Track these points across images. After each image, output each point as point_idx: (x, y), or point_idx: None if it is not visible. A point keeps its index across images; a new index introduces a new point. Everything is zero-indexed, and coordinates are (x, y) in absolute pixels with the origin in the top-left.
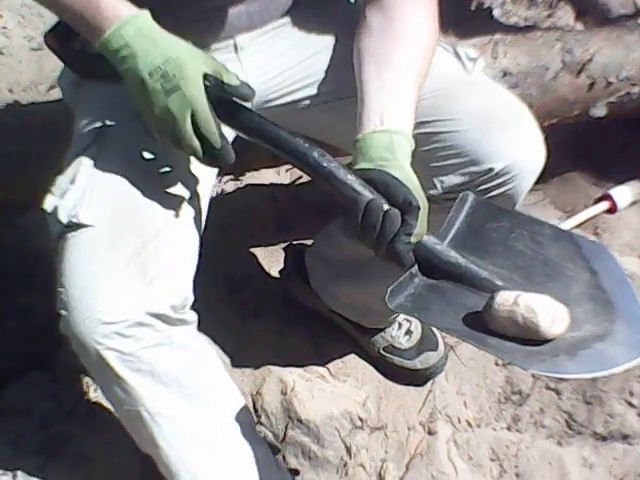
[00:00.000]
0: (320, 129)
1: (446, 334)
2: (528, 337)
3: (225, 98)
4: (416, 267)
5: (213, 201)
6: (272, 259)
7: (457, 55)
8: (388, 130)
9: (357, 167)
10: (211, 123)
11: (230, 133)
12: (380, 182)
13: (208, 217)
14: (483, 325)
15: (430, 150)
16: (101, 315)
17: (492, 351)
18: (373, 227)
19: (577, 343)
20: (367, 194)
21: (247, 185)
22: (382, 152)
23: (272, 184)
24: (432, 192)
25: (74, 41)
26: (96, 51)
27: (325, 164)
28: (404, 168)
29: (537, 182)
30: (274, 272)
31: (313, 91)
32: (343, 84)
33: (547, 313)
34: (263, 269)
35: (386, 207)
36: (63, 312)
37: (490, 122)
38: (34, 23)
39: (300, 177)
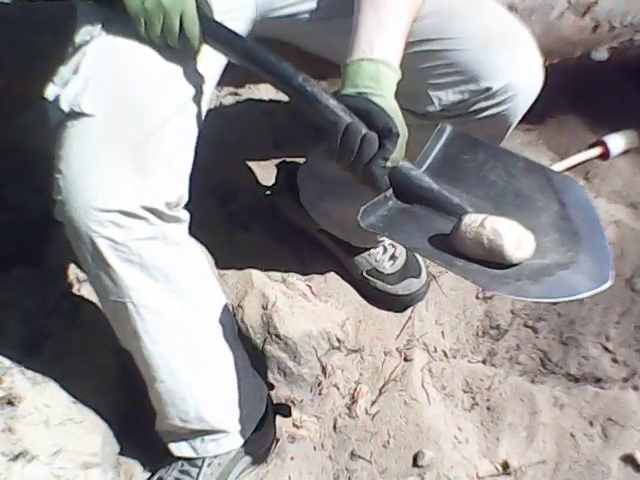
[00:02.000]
0: (318, 43)
1: (427, 260)
2: (493, 260)
3: (214, 20)
4: (390, 190)
5: (211, 113)
6: (264, 174)
7: None
8: (376, 59)
9: (342, 92)
10: (196, 26)
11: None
12: (362, 108)
13: (205, 128)
14: (451, 247)
15: (430, 67)
16: (97, 202)
17: (458, 271)
18: (351, 150)
19: (541, 270)
20: (347, 118)
21: (246, 100)
22: (367, 80)
23: (271, 100)
24: (429, 108)
25: None
26: None
27: (309, 88)
28: (387, 97)
29: (533, 122)
30: (265, 188)
31: (313, 5)
32: (341, 2)
33: (512, 237)
34: (255, 184)
35: (364, 131)
36: (59, 197)
37: (490, 41)
38: None
39: None
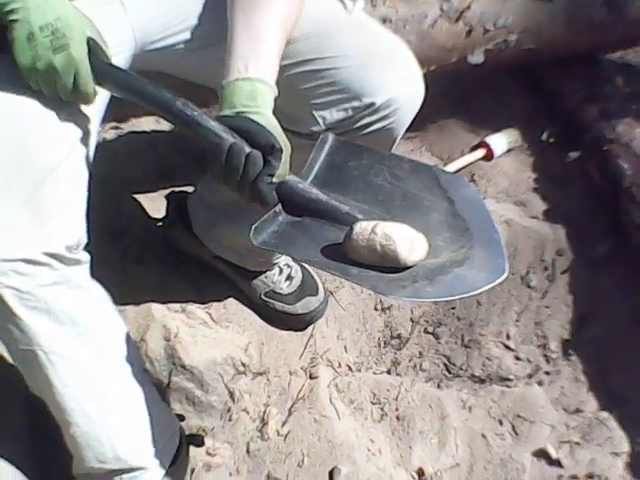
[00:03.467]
0: (197, 72)
1: (323, 275)
2: (389, 265)
3: (100, 60)
4: (279, 206)
5: (95, 149)
6: (154, 207)
7: None
8: (250, 78)
9: (220, 114)
10: (90, 83)
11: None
12: (242, 127)
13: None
14: (345, 256)
15: (312, 87)
16: None
17: (353, 279)
18: (236, 169)
19: (436, 269)
20: (230, 138)
21: (128, 132)
22: (244, 99)
23: (153, 131)
24: (315, 128)
25: None
26: None
27: (188, 112)
28: (265, 114)
29: (415, 129)
30: (156, 220)
31: (187, 36)
32: (213, 30)
33: (404, 240)
34: (145, 217)
35: (247, 149)
36: None
37: (370, 58)
38: None
39: None
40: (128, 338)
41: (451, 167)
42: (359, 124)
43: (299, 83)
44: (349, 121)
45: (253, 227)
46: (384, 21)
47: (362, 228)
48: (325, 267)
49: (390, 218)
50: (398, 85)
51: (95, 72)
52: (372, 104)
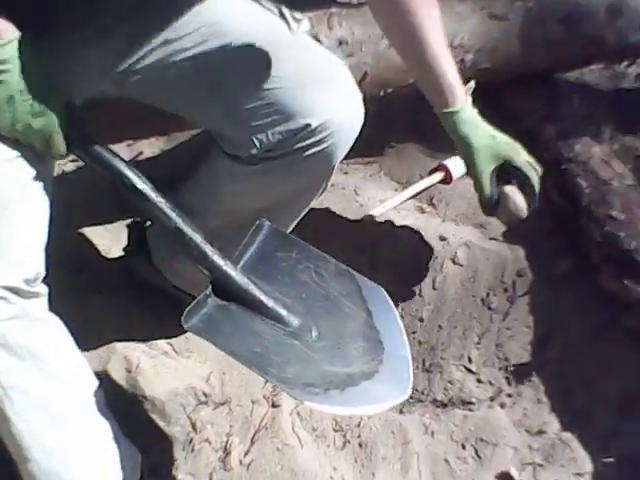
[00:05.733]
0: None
1: None
2: None
3: (77, 127)
4: (210, 288)
5: (54, 180)
6: (114, 237)
7: (282, 15)
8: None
9: (472, 142)
10: (63, 148)
11: None
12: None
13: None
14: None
15: (249, 108)
16: None
17: (272, 380)
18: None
19: (347, 379)
20: (175, 219)
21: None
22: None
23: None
24: (253, 151)
25: None
26: None
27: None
28: None
29: (373, 154)
30: (117, 250)
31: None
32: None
33: None
34: (106, 246)
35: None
36: None
37: (307, 79)
38: None
39: (141, 153)
40: (88, 370)
41: (410, 191)
42: (296, 146)
43: (236, 104)
44: (286, 143)
45: (186, 310)
46: (340, 43)
47: None
48: (246, 362)
49: (311, 318)
50: (335, 108)
51: (69, 139)
52: (308, 125)
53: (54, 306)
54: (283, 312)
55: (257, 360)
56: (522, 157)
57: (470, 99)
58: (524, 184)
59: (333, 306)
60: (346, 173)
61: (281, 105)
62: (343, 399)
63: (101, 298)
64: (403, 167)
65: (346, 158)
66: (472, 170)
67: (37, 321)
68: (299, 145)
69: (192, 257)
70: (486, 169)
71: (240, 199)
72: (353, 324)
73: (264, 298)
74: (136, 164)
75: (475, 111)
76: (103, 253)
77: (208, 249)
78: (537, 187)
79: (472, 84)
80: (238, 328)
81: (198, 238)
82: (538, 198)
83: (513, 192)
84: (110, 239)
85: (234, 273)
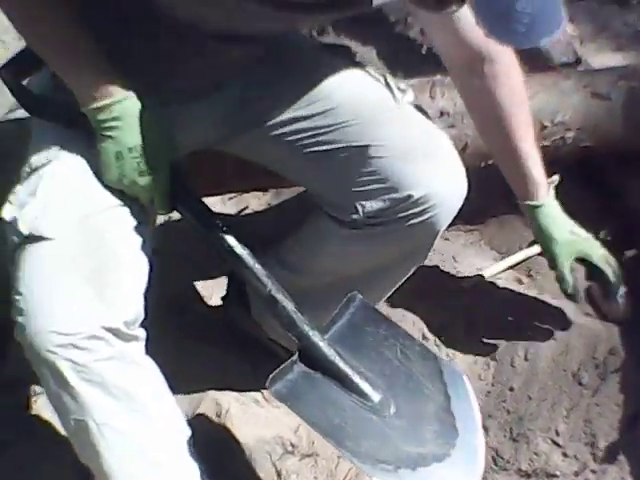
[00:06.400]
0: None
1: None
2: None
3: (180, 186)
4: (297, 355)
5: (161, 226)
6: (216, 285)
7: (387, 85)
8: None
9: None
10: (166, 206)
11: None
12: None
13: (156, 241)
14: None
15: (353, 174)
16: (57, 326)
17: (346, 454)
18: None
19: (419, 459)
20: (269, 285)
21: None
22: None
23: (219, 213)
24: (355, 216)
25: (25, 78)
26: (46, 94)
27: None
28: None
29: (474, 222)
30: (217, 298)
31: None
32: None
33: None
34: (206, 294)
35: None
36: (19, 319)
37: (412, 150)
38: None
39: (245, 208)
40: (180, 416)
41: (508, 261)
42: (398, 216)
43: (341, 171)
44: (388, 212)
45: (271, 375)
46: (442, 114)
47: None
48: (323, 433)
49: (391, 395)
50: (437, 180)
51: (173, 196)
52: (410, 196)
53: (152, 347)
54: (366, 387)
55: (334, 432)
56: (599, 252)
57: (553, 192)
58: (601, 279)
59: (414, 386)
60: (447, 239)
61: (384, 175)
62: (413, 478)
63: (198, 343)
64: (504, 237)
65: (448, 224)
66: (553, 262)
67: (134, 364)
68: (401, 214)
69: (282, 323)
70: (566, 262)
71: (340, 261)
72: (431, 406)
73: (349, 371)
74: (241, 217)
75: (557, 205)
76: (204, 299)
77: (298, 318)
78: (613, 281)
79: (556, 178)
80: (320, 398)
81: (290, 306)
82: (618, 292)
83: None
84: (212, 286)
85: (321, 343)
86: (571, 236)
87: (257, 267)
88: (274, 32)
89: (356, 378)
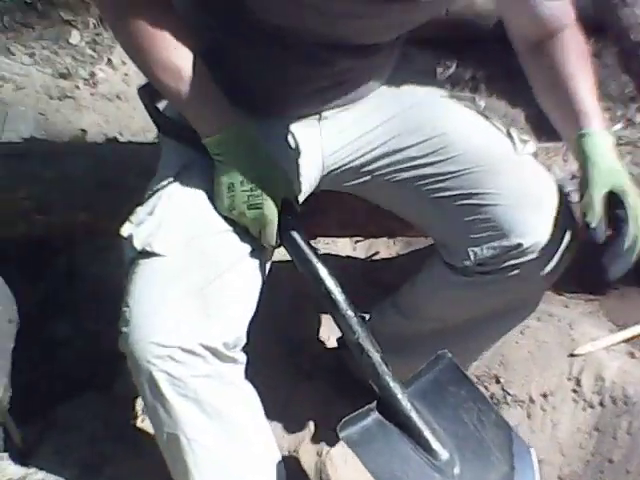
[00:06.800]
0: (387, 196)
1: None
2: None
3: (288, 223)
4: (375, 403)
5: (282, 264)
6: (332, 326)
7: (509, 135)
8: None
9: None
10: (273, 240)
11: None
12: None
13: (274, 279)
14: None
15: (469, 221)
16: (157, 337)
17: None
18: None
19: None
20: (359, 332)
21: (322, 254)
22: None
23: (347, 256)
24: (466, 263)
25: (160, 99)
26: (175, 116)
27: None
28: None
29: (595, 292)
30: (332, 339)
31: (369, 160)
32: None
33: None
34: (321, 334)
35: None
36: (124, 329)
37: (524, 199)
38: None
39: (376, 253)
40: (274, 445)
41: (625, 334)
42: (507, 263)
43: (458, 216)
44: (498, 259)
45: (344, 419)
46: (573, 177)
47: None
48: None
49: (457, 456)
50: (546, 230)
51: (280, 233)
52: (520, 245)
53: (264, 381)
54: (435, 444)
55: None
56: (634, 198)
57: (610, 129)
58: (617, 224)
59: (482, 452)
60: (566, 306)
61: (497, 221)
62: None
63: (309, 382)
64: (623, 310)
65: (569, 292)
66: (588, 187)
67: (230, 385)
68: (510, 262)
69: (366, 372)
70: (601, 190)
71: (447, 307)
72: (494, 475)
73: (422, 428)
74: (369, 262)
75: (611, 139)
76: (319, 339)
77: (382, 370)
78: (631, 232)
79: (619, 126)
80: (388, 448)
81: (375, 357)
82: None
83: None
84: (328, 327)
85: (400, 396)
86: (617, 167)
87: (349, 314)
88: (380, 39)
89: (428, 434)
